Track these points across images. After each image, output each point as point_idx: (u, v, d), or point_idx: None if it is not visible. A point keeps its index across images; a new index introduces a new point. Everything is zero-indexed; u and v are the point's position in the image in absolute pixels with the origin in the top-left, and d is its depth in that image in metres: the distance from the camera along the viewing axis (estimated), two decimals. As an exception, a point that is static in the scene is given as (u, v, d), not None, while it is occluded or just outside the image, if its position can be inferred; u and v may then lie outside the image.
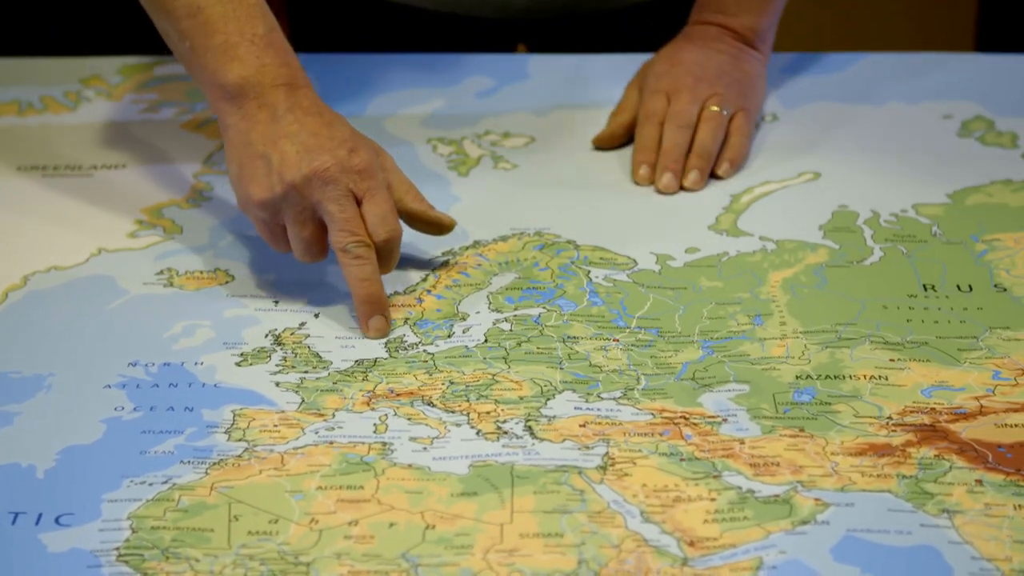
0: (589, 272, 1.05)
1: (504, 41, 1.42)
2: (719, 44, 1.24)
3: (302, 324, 0.99)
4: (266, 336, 0.98)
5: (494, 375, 0.93)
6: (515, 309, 1.00)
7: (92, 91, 1.32)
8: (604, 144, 1.23)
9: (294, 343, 0.97)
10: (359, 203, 0.98)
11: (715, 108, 1.19)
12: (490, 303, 1.01)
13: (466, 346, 0.96)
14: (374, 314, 0.97)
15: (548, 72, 1.33)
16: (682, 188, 1.16)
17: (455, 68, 1.33)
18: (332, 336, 0.98)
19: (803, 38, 1.53)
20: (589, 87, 1.31)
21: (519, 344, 0.96)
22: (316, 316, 1.00)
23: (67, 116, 1.28)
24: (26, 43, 1.84)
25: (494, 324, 0.99)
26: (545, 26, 1.38)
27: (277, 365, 0.95)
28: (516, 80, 1.32)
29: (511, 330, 0.98)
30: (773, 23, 1.26)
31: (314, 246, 0.99)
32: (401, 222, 1.00)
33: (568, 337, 0.97)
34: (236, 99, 0.99)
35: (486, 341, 0.97)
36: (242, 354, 0.96)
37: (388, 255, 0.99)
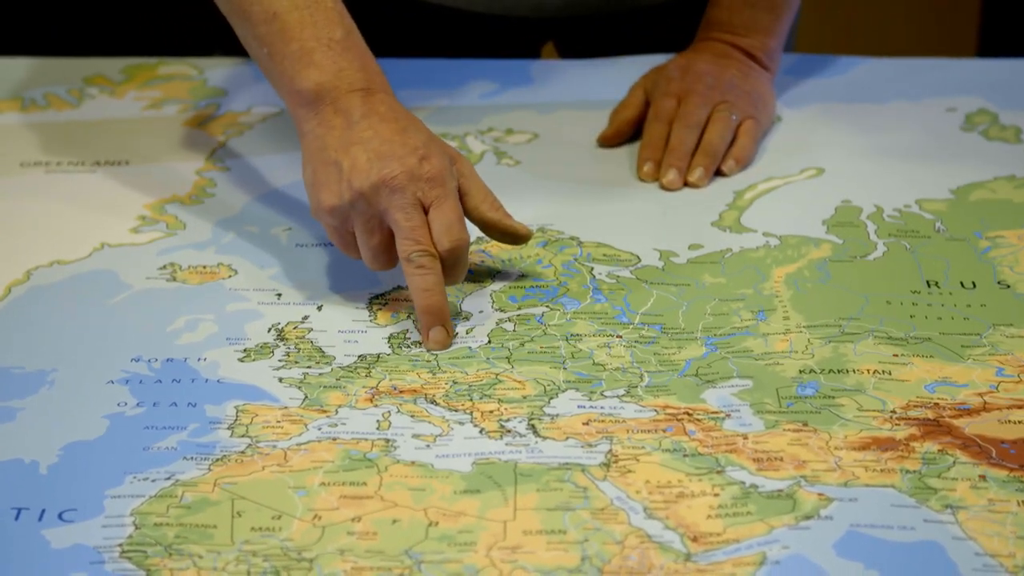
0: (592, 269, 1.04)
1: (534, 39, 1.41)
2: (728, 60, 1.24)
3: (305, 318, 0.99)
4: (269, 331, 0.98)
5: (497, 375, 0.93)
6: (518, 308, 1.00)
7: (96, 88, 1.32)
8: (608, 142, 1.23)
9: (297, 338, 0.97)
10: (427, 211, 0.97)
11: (725, 112, 1.19)
12: (493, 302, 1.01)
13: (469, 347, 0.96)
14: (434, 325, 0.96)
15: (552, 77, 1.33)
16: (686, 184, 1.16)
17: (459, 72, 1.33)
18: (335, 330, 0.98)
19: (805, 44, 1.53)
20: (593, 88, 1.31)
21: (522, 344, 0.96)
22: (319, 309, 1.00)
23: (70, 112, 1.28)
24: (26, 43, 1.84)
25: (497, 324, 0.98)
26: (576, 24, 1.38)
27: (280, 361, 0.95)
28: (520, 85, 1.32)
29: (514, 330, 0.98)
30: (781, 43, 1.26)
31: (382, 255, 0.98)
32: (469, 231, 0.98)
33: (571, 335, 0.97)
34: (313, 105, 0.99)
35: (489, 342, 0.97)
36: (245, 350, 0.96)
37: (454, 264, 0.97)
